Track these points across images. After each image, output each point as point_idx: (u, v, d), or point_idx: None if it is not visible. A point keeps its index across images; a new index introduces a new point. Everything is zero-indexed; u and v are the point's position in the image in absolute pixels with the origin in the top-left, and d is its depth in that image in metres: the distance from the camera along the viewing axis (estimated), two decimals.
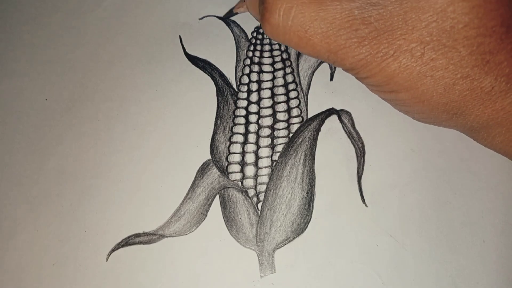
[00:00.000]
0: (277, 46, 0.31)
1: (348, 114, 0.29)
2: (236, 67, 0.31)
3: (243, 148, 0.29)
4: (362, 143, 0.29)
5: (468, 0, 0.20)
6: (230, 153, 0.29)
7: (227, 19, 0.32)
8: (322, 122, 0.29)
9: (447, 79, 0.21)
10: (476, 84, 0.21)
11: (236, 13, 0.31)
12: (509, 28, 0.20)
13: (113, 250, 0.27)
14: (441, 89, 0.22)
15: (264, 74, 0.30)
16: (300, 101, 0.30)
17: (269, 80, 0.30)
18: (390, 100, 0.25)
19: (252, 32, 0.32)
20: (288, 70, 0.30)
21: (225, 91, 0.30)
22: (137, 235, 0.27)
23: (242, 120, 0.30)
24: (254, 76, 0.30)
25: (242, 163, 0.29)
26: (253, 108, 0.30)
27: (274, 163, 0.29)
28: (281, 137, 0.29)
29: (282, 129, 0.29)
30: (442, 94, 0.22)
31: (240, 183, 0.29)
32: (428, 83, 0.22)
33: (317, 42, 0.22)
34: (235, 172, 0.29)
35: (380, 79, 0.22)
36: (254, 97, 0.30)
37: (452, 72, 0.21)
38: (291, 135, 0.29)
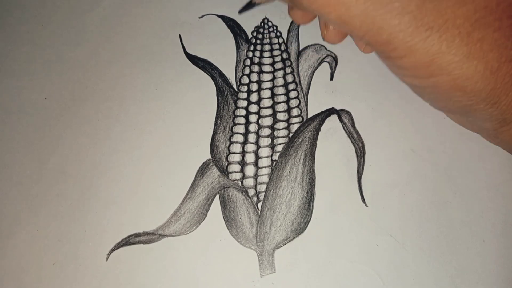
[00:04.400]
0: (277, 46, 0.31)
1: (348, 114, 0.29)
2: (236, 67, 0.31)
3: (243, 148, 0.29)
4: (362, 143, 0.29)
5: None
6: (230, 153, 0.29)
7: (227, 20, 0.32)
8: (322, 122, 0.29)
9: (493, 61, 0.19)
10: None
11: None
12: None
13: (113, 250, 0.27)
14: (487, 73, 0.19)
15: (264, 74, 0.30)
16: (300, 101, 0.30)
17: (269, 80, 0.30)
18: (423, 87, 0.22)
19: (252, 32, 0.32)
20: (288, 70, 0.30)
21: (225, 91, 0.30)
22: (137, 234, 0.27)
23: (242, 120, 0.30)
24: (254, 76, 0.30)
25: (242, 163, 0.29)
26: (253, 108, 0.30)
27: (274, 163, 0.29)
28: (281, 137, 0.29)
29: (282, 129, 0.29)
30: (488, 79, 0.20)
31: (240, 182, 0.28)
32: (474, 66, 0.19)
33: None
34: (235, 172, 0.29)
35: (421, 58, 0.19)
36: (254, 97, 0.30)
37: (498, 54, 0.19)
38: (291, 135, 0.29)
